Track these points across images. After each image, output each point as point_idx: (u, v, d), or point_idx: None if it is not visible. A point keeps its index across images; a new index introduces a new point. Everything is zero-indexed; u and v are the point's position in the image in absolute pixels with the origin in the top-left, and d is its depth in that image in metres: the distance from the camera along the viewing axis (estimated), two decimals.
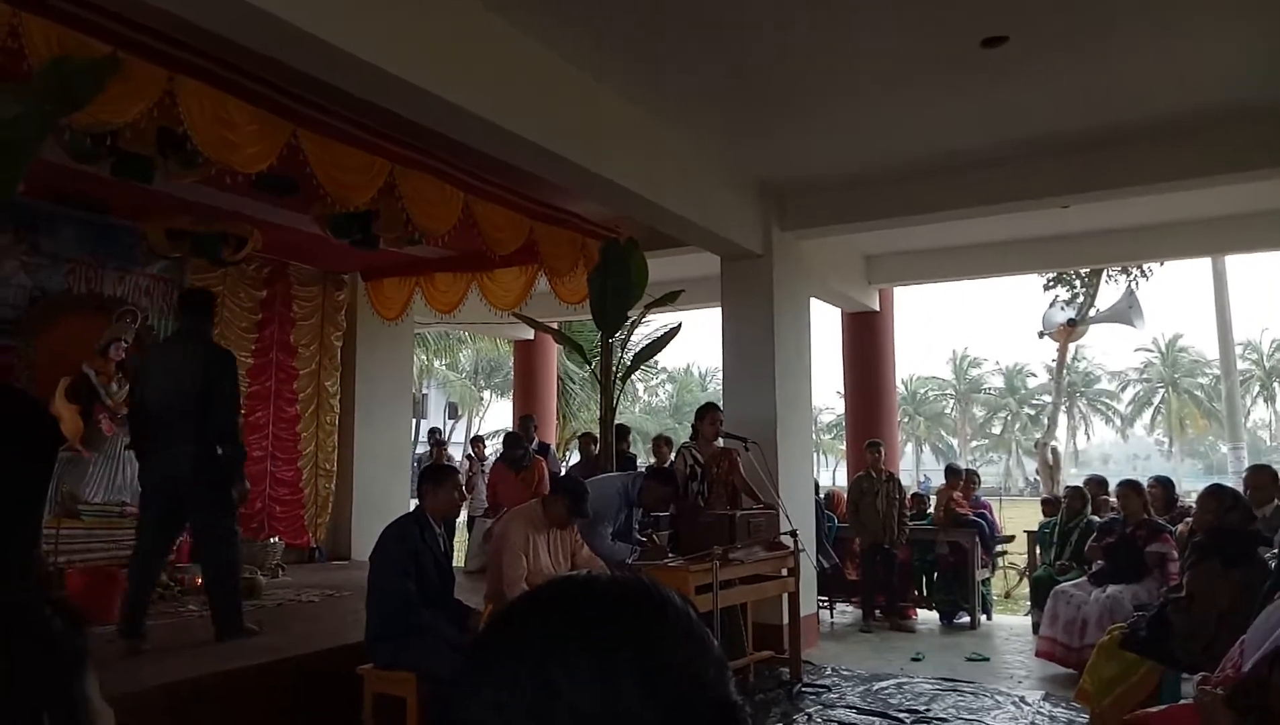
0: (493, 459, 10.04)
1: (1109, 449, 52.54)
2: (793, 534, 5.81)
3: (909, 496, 9.21)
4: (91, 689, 0.83)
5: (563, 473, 9.47)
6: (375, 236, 6.18)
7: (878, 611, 8.11)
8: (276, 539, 7.87)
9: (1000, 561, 9.51)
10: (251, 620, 5.04)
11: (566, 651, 0.64)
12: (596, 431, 8.52)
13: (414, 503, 5.22)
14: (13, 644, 0.80)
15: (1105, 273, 12.61)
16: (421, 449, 16.13)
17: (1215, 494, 4.57)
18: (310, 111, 4.80)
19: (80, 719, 0.80)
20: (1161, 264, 11.76)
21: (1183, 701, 3.50)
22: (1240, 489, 5.13)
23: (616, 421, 7.28)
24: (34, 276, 6.40)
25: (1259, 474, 5.65)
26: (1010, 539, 9.12)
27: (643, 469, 6.91)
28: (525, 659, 0.64)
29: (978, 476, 9.20)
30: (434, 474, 4.51)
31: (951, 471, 8.82)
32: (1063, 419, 37.98)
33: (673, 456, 7.11)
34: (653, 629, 0.66)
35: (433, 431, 12.86)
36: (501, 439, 9.33)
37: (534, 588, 0.71)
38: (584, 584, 0.70)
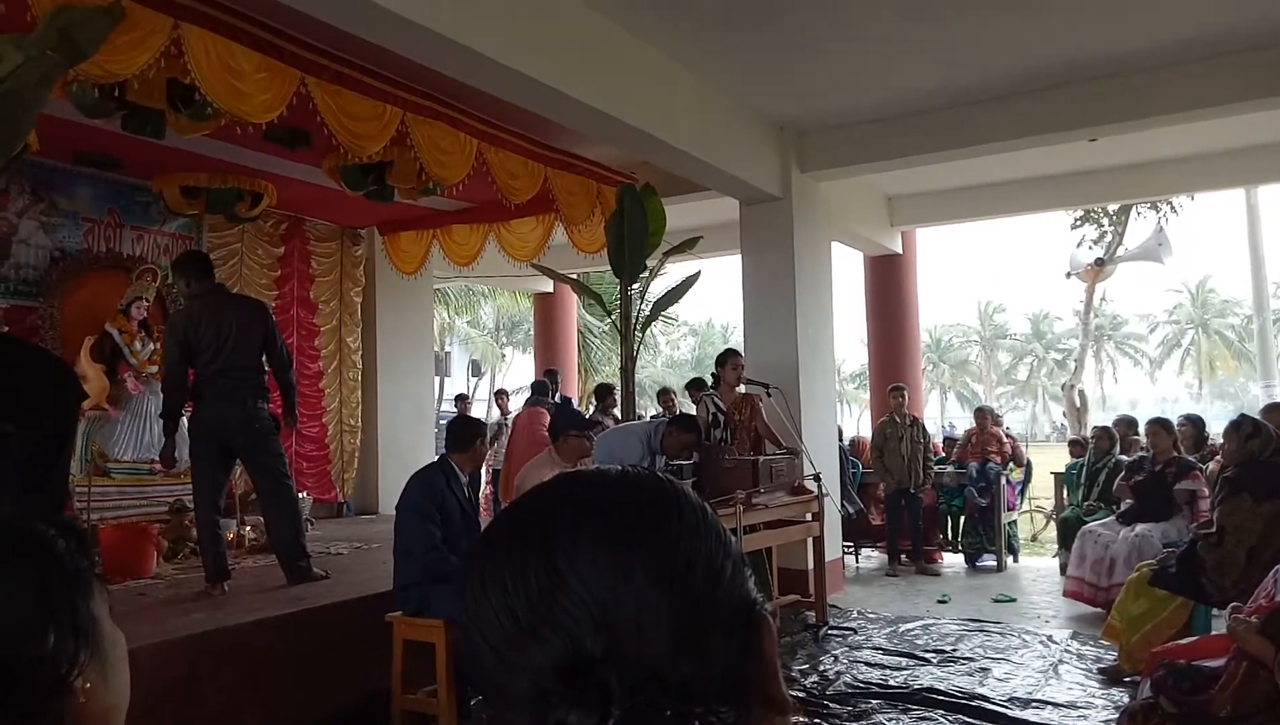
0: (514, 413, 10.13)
1: (1137, 393, 52.01)
2: (816, 478, 5.79)
3: (935, 441, 9.21)
4: (100, 610, 0.81)
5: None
6: (390, 187, 6.13)
7: (903, 556, 8.11)
8: (305, 494, 7.95)
9: (1027, 504, 9.49)
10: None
11: (575, 540, 0.60)
12: (618, 383, 8.53)
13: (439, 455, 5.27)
14: (12, 562, 0.77)
15: (1134, 210, 12.33)
16: (447, 407, 16.25)
17: (1235, 425, 4.62)
18: (318, 59, 4.74)
19: (86, 638, 0.78)
20: (1193, 198, 11.47)
21: (1212, 634, 3.46)
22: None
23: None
24: (53, 236, 6.44)
25: (1274, 412, 5.62)
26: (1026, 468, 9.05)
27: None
28: (533, 546, 0.61)
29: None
30: (474, 427, 4.55)
31: (981, 412, 8.93)
32: (1090, 362, 37.59)
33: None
34: (666, 521, 0.63)
35: (459, 397, 13.04)
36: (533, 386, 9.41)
37: (548, 480, 0.68)
38: (595, 475, 0.67)
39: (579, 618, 0.58)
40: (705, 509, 0.65)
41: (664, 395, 10.38)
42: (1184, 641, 3.57)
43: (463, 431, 4.43)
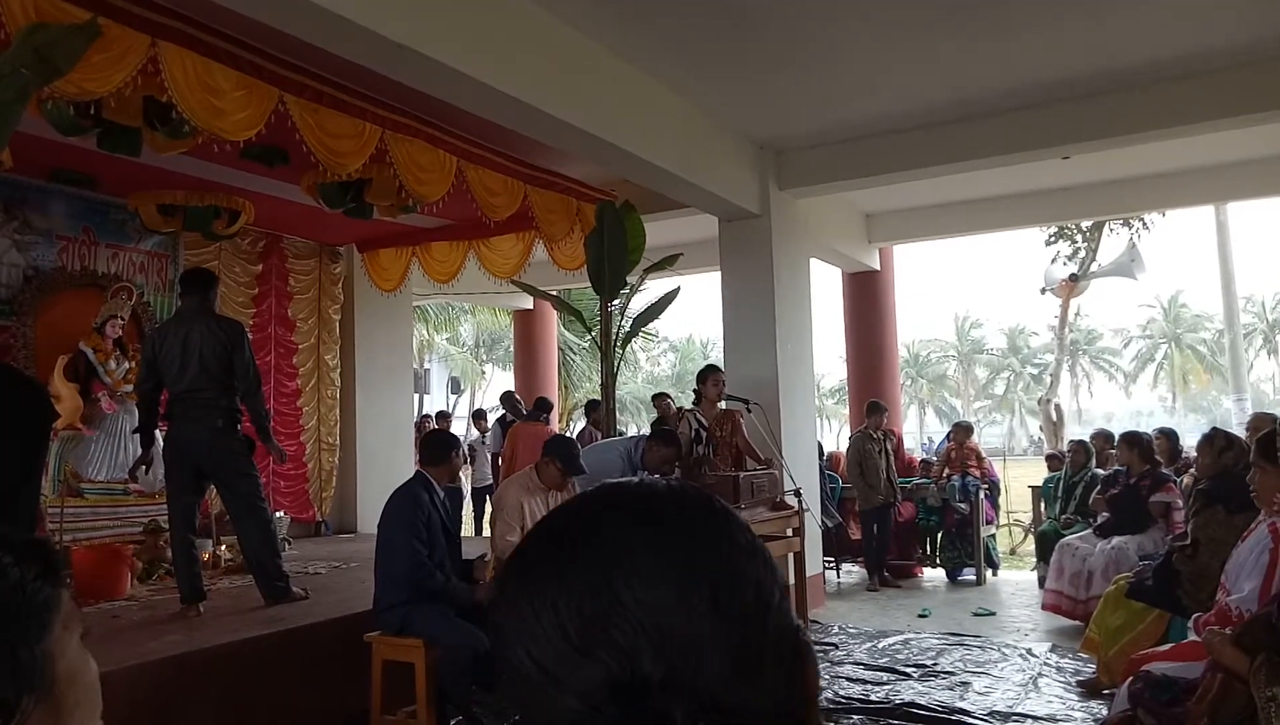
0: (493, 437, 10.18)
1: (1112, 406, 52.56)
2: (797, 493, 5.80)
3: (918, 461, 9.29)
4: (58, 646, 0.76)
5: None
6: (369, 205, 6.11)
7: (885, 572, 8.13)
8: (282, 513, 7.87)
9: (1005, 518, 9.55)
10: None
11: (632, 558, 0.58)
12: (598, 399, 8.57)
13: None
14: None
15: (1107, 226, 12.50)
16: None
17: (1209, 439, 4.65)
18: (296, 77, 4.74)
19: (30, 683, 0.72)
20: (1164, 214, 11.65)
21: (1191, 639, 3.49)
22: (1245, 438, 5.14)
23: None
24: (26, 254, 6.36)
25: (1260, 418, 5.71)
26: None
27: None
28: (586, 563, 0.59)
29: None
30: (448, 440, 4.55)
31: (959, 427, 8.99)
32: (1065, 377, 37.95)
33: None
34: (720, 541, 0.61)
35: (434, 416, 13.02)
36: (536, 403, 9.40)
37: (594, 490, 0.66)
38: (644, 489, 0.64)
39: (636, 640, 0.56)
40: (752, 531, 0.63)
41: (659, 399, 10.28)
42: (1163, 648, 3.60)
43: (438, 445, 4.42)
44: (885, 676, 5.15)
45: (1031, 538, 9.25)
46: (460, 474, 4.89)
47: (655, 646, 0.56)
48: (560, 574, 0.59)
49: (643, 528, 0.60)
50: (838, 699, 4.75)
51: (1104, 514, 6.28)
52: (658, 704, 0.55)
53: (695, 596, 0.57)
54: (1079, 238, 12.93)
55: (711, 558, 0.59)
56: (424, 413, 13.26)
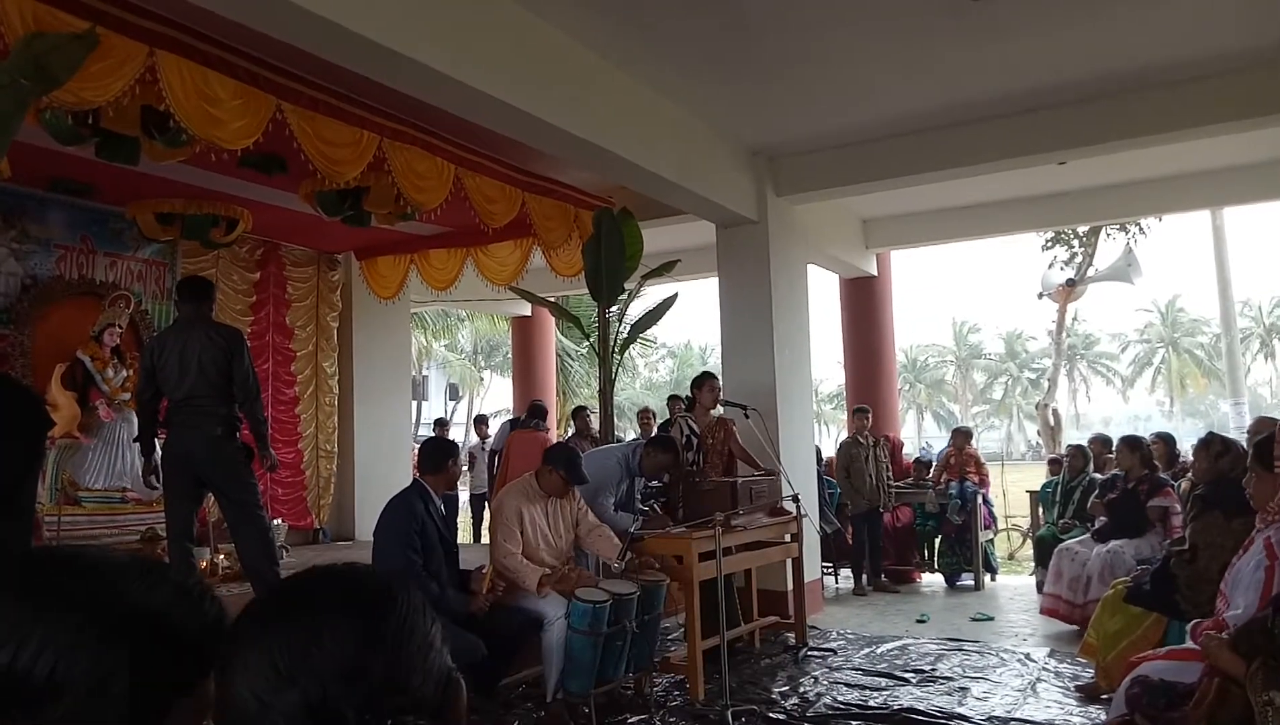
0: (497, 436, 10.16)
1: (1110, 411, 52.60)
2: (795, 499, 5.80)
3: (912, 462, 9.27)
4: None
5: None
6: (366, 213, 6.11)
7: (883, 576, 8.14)
8: (280, 521, 7.87)
9: (1004, 522, 9.55)
10: None
11: (327, 617, 0.85)
12: (596, 406, 8.57)
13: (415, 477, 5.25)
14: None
15: (1104, 231, 12.53)
16: (425, 432, 16.16)
17: (1205, 444, 4.64)
18: (294, 85, 4.75)
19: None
20: (1160, 219, 11.68)
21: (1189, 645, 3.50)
22: (1244, 442, 5.14)
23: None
24: (24, 263, 6.38)
25: (1261, 422, 5.71)
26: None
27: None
28: (298, 619, 0.85)
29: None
30: (447, 448, 4.54)
31: (958, 433, 9.00)
32: (1063, 381, 37.99)
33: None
34: (403, 605, 0.89)
35: (439, 421, 13.10)
36: (530, 409, 9.44)
37: (305, 571, 0.93)
38: (349, 570, 0.93)
39: (329, 672, 0.81)
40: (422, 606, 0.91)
41: (643, 414, 10.50)
42: (1161, 650, 3.60)
43: (435, 453, 4.41)
44: (884, 682, 5.14)
45: (1030, 542, 9.26)
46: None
47: (343, 674, 0.81)
48: (279, 633, 0.83)
49: (341, 596, 0.88)
50: (836, 705, 4.74)
51: (1101, 518, 6.29)
52: (341, 712, 0.80)
53: (369, 648, 0.84)
54: (1076, 243, 12.97)
55: (393, 611, 0.87)
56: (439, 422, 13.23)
